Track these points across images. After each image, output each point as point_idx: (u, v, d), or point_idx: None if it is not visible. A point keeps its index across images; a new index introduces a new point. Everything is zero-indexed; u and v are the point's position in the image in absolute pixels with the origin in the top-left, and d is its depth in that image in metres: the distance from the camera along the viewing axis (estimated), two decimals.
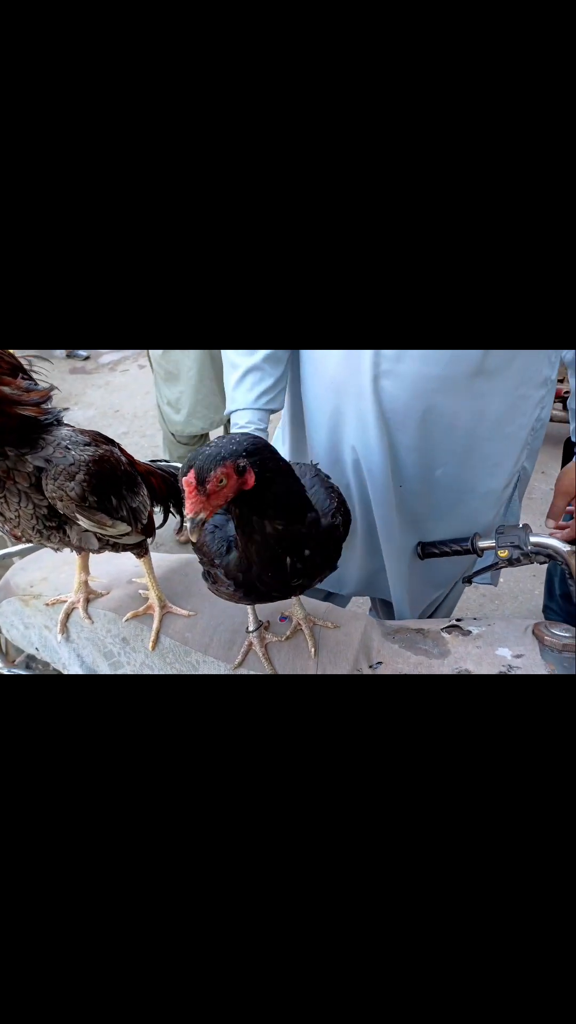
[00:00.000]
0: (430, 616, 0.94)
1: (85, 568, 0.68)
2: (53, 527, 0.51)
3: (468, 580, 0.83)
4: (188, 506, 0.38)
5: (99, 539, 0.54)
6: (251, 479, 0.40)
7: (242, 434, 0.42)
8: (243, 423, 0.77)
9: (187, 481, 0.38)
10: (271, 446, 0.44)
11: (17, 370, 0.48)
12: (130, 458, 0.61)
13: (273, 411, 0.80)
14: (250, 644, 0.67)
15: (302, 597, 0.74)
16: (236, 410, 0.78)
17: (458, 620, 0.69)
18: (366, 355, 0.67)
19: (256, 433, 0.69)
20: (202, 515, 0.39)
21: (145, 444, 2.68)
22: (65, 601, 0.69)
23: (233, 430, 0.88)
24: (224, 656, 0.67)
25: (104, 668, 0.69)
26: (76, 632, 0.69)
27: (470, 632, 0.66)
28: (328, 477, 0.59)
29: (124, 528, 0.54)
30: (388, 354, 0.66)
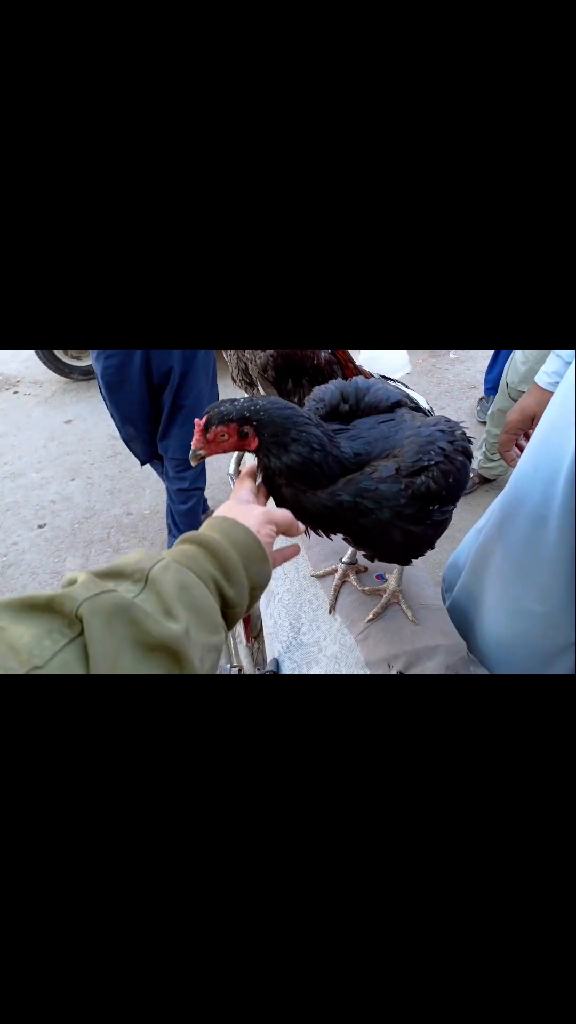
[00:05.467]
0: None
1: None
2: (247, 383, 0.66)
3: None
4: (194, 441, 0.45)
5: None
6: (254, 443, 0.44)
7: (265, 400, 0.44)
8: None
9: (197, 422, 0.44)
10: (294, 417, 0.44)
11: None
12: (344, 361, 0.67)
13: None
14: (335, 570, 0.71)
15: (411, 575, 0.69)
16: None
17: None
18: None
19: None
20: (200, 452, 0.45)
21: None
22: None
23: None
24: (317, 561, 0.74)
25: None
26: None
27: None
28: (451, 440, 0.50)
29: None
30: None
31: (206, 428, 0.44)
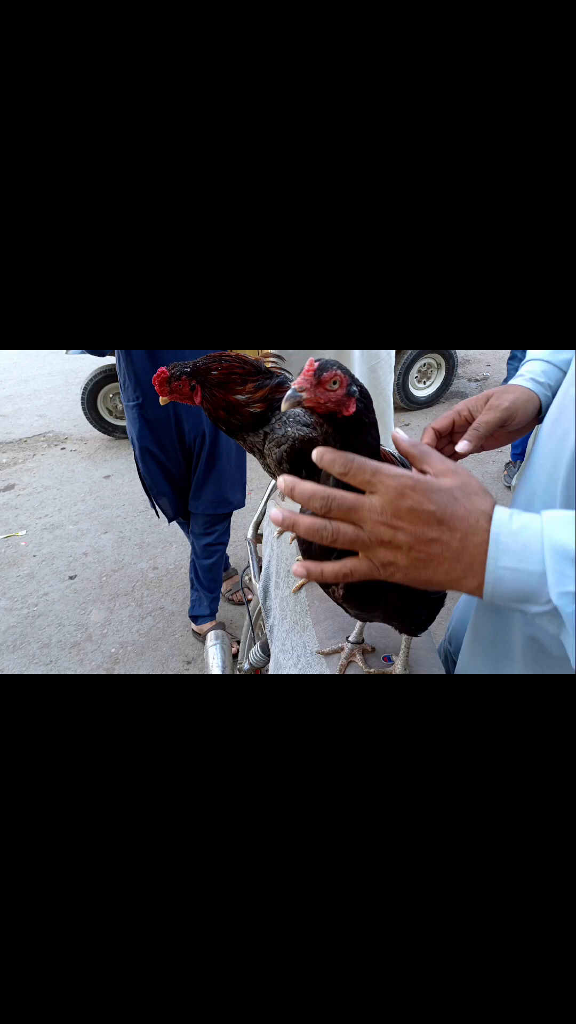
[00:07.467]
0: None
1: None
2: (271, 472, 0.69)
3: None
4: (298, 382, 0.40)
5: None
6: (351, 408, 0.42)
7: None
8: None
9: (310, 362, 0.40)
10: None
11: (248, 376, 0.62)
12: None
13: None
14: (342, 649, 0.69)
15: (417, 657, 0.67)
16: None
17: None
18: None
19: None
20: (304, 395, 0.41)
21: None
22: None
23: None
24: (324, 638, 0.73)
25: (271, 583, 0.89)
26: (282, 543, 0.91)
27: None
28: None
29: None
30: None
31: (321, 370, 0.40)
